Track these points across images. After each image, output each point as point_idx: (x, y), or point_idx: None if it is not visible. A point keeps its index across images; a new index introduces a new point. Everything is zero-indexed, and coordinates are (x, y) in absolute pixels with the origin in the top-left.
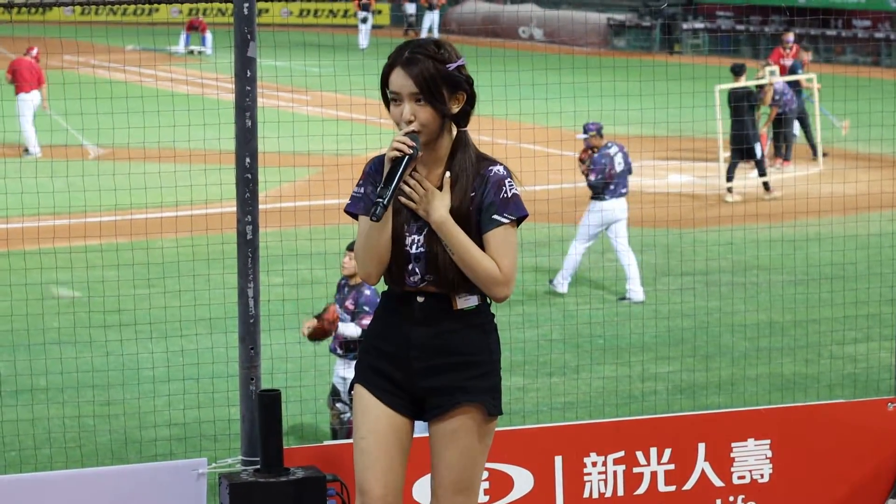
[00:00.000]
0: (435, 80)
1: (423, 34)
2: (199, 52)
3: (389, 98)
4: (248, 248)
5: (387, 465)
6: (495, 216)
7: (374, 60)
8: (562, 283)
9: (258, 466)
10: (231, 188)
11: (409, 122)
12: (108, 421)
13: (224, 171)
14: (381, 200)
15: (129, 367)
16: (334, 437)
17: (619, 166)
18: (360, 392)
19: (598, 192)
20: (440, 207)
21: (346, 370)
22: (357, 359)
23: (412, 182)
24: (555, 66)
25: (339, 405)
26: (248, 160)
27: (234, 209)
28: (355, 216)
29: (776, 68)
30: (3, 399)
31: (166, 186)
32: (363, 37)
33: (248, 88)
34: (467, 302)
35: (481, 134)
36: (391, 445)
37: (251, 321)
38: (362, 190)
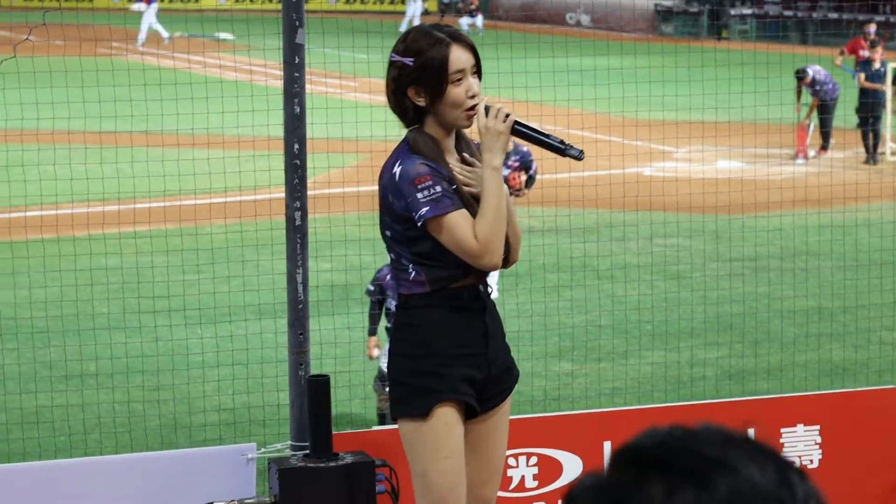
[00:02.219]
0: None
1: (464, 23)
2: (139, 10)
3: (451, 80)
4: (296, 234)
5: (463, 481)
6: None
7: None
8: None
9: (307, 451)
10: (280, 174)
11: (474, 97)
12: (158, 406)
13: (273, 158)
14: (568, 143)
15: (178, 352)
16: (382, 422)
17: None
18: (448, 411)
19: None
20: (495, 171)
21: None
22: (434, 373)
23: (457, 168)
24: (602, 52)
25: (387, 388)
26: (296, 146)
27: (283, 195)
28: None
29: None
30: (53, 384)
31: (215, 172)
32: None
33: (297, 75)
34: None
35: (530, 120)
36: (464, 460)
37: (300, 306)
38: (439, 188)
